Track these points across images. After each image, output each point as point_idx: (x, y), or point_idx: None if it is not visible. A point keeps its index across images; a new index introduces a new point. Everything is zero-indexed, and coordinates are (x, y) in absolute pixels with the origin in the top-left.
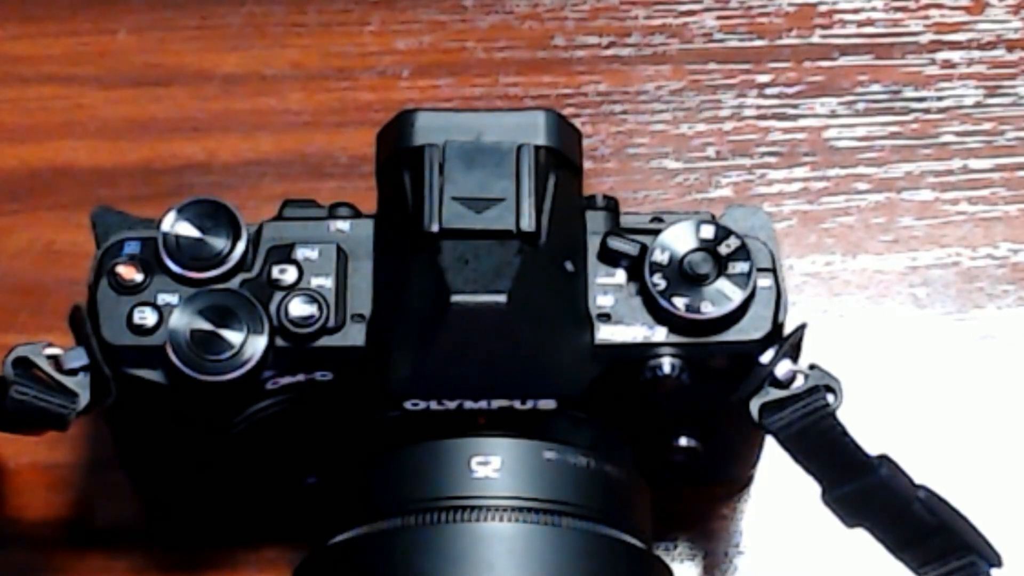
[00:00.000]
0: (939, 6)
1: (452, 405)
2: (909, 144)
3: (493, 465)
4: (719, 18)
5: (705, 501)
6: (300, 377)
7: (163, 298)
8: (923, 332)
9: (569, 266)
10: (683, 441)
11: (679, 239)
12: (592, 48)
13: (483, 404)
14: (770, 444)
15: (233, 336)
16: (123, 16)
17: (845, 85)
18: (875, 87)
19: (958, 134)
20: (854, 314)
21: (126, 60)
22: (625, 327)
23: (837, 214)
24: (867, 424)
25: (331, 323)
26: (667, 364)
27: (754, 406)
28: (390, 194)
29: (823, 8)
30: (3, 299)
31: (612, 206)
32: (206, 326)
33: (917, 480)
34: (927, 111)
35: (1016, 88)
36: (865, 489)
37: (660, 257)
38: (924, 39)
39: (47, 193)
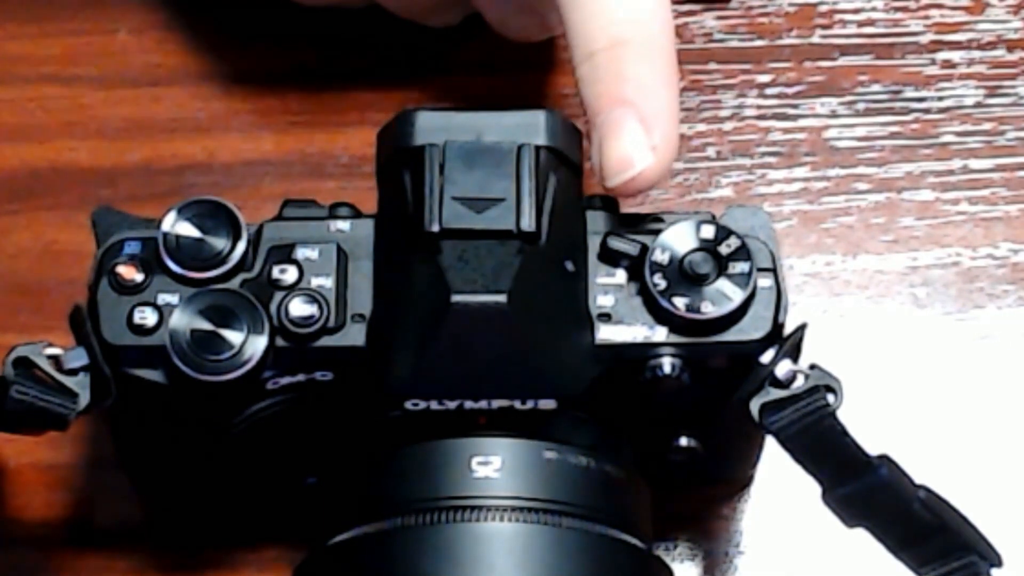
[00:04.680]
0: (939, 6)
1: (452, 405)
2: (909, 144)
3: (493, 465)
4: (719, 18)
5: (705, 501)
6: (300, 377)
7: (163, 298)
8: (923, 332)
9: (569, 266)
10: (683, 441)
11: (679, 239)
12: None
13: (483, 404)
14: (770, 444)
15: (233, 336)
16: (123, 16)
17: (845, 85)
18: (875, 87)
19: (958, 134)
20: (854, 314)
21: (126, 60)
22: (625, 327)
23: (837, 214)
24: (867, 424)
25: (331, 323)
26: (667, 364)
27: (754, 406)
28: (390, 194)
29: (823, 8)
30: (3, 299)
31: (612, 206)
32: (206, 326)
33: (917, 480)
34: (927, 111)
35: (1016, 88)
36: (865, 489)
37: (660, 257)
38: (924, 39)
39: (47, 193)
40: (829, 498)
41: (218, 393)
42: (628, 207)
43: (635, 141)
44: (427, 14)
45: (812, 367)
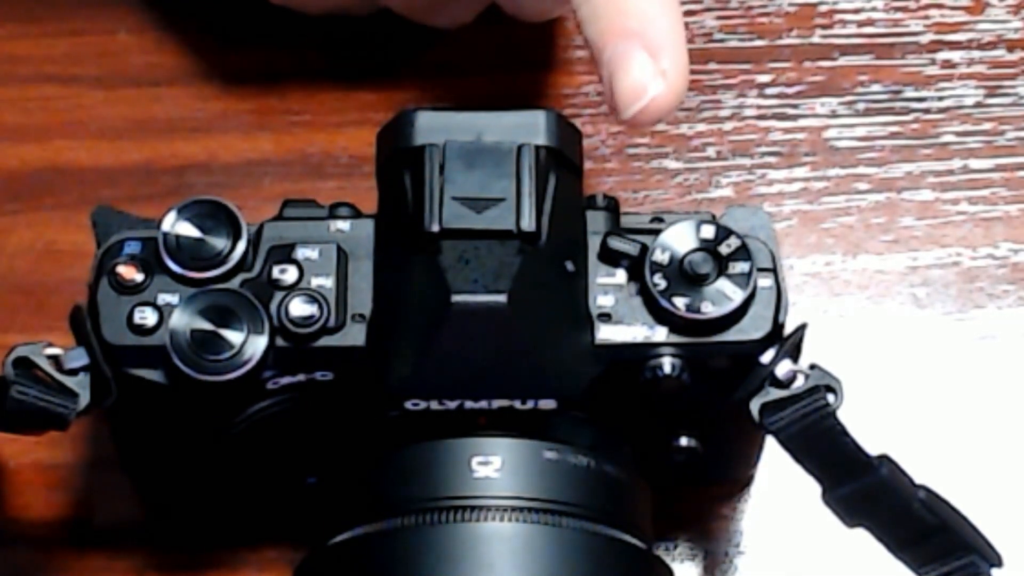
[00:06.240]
0: (939, 6)
1: (452, 405)
2: (909, 144)
3: (494, 465)
4: (719, 18)
5: (705, 501)
6: (300, 377)
7: (163, 298)
8: (923, 332)
9: (569, 266)
10: (683, 441)
11: (679, 239)
12: None
13: (483, 404)
14: (770, 444)
15: (233, 336)
16: (123, 16)
17: (845, 85)
18: (875, 87)
19: (958, 134)
20: (854, 314)
21: (126, 60)
22: (625, 327)
23: (837, 214)
24: (867, 424)
25: (331, 323)
26: (667, 364)
27: (754, 406)
28: (390, 194)
29: (823, 8)
30: (3, 299)
31: (612, 206)
32: (206, 326)
33: (917, 480)
34: (927, 111)
35: (1016, 88)
36: (865, 489)
37: (660, 257)
38: (924, 39)
39: (47, 193)
40: (829, 498)
41: (218, 393)
42: (628, 207)
43: (644, 69)
44: (437, 13)
45: (812, 367)
